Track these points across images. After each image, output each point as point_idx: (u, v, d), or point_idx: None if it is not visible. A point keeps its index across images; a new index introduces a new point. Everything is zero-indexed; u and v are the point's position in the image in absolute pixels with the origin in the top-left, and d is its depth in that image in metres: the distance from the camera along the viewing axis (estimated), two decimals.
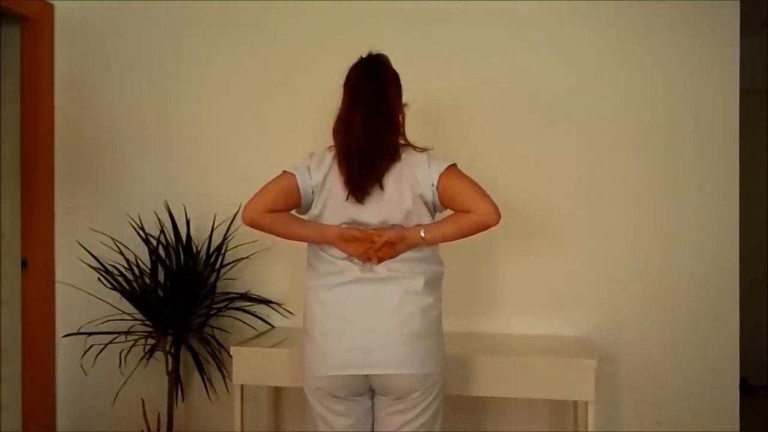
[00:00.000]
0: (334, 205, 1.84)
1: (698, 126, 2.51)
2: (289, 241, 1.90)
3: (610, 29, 2.57)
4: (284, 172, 1.86)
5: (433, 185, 1.80)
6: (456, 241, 1.83)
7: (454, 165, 1.83)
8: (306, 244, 1.92)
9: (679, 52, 2.52)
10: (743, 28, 2.47)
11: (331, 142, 1.86)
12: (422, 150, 1.85)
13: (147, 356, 2.66)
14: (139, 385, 2.80)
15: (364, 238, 1.80)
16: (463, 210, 1.79)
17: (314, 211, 1.86)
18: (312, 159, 1.87)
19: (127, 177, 2.97)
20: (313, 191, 1.85)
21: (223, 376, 2.74)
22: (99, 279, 2.71)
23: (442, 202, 1.82)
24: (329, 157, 1.85)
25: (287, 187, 1.84)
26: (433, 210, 1.86)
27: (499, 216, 1.76)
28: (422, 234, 1.80)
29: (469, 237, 1.83)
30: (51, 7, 2.99)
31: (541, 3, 2.59)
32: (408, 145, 1.86)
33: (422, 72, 2.49)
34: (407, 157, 1.83)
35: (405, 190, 1.80)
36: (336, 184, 1.83)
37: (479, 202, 1.77)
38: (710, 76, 2.50)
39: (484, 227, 1.78)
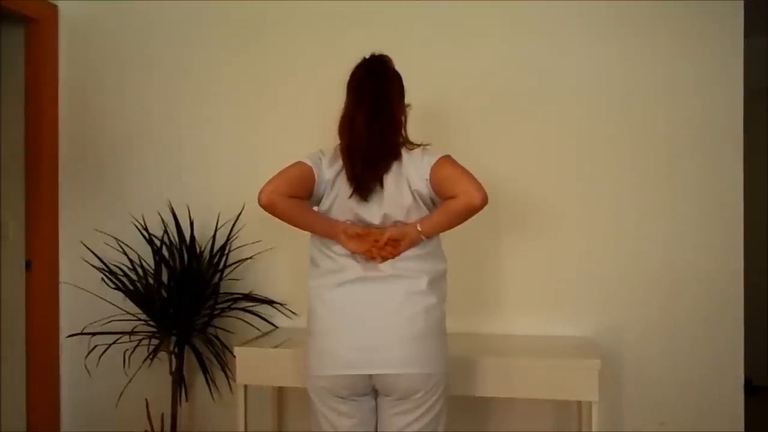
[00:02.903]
0: (340, 202, 1.85)
1: (702, 126, 2.50)
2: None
3: (613, 29, 2.56)
4: (299, 161, 1.84)
5: (426, 179, 1.80)
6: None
7: (446, 155, 1.82)
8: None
9: (683, 52, 2.51)
10: (747, 28, 2.46)
11: (337, 142, 1.87)
12: (419, 146, 1.85)
13: (151, 356, 2.66)
14: (143, 385, 2.81)
15: (366, 235, 1.81)
16: (451, 196, 1.77)
17: (323, 206, 1.87)
18: (324, 155, 1.88)
19: (131, 178, 2.97)
20: (324, 186, 1.85)
21: (227, 377, 2.75)
22: (103, 279, 2.71)
23: (436, 193, 1.81)
24: (340, 156, 1.85)
25: (305, 176, 1.82)
26: (431, 204, 1.85)
27: (482, 195, 1.72)
28: (418, 228, 1.81)
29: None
30: (55, 8, 3.00)
31: (543, 2, 2.59)
32: (408, 143, 1.87)
33: (424, 71, 2.50)
34: (406, 154, 1.83)
35: (403, 188, 1.81)
36: (344, 183, 1.84)
37: (463, 185, 1.74)
38: (714, 76, 2.49)
39: (470, 208, 1.75)
